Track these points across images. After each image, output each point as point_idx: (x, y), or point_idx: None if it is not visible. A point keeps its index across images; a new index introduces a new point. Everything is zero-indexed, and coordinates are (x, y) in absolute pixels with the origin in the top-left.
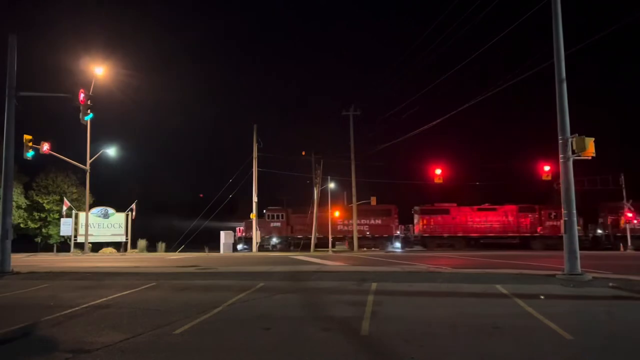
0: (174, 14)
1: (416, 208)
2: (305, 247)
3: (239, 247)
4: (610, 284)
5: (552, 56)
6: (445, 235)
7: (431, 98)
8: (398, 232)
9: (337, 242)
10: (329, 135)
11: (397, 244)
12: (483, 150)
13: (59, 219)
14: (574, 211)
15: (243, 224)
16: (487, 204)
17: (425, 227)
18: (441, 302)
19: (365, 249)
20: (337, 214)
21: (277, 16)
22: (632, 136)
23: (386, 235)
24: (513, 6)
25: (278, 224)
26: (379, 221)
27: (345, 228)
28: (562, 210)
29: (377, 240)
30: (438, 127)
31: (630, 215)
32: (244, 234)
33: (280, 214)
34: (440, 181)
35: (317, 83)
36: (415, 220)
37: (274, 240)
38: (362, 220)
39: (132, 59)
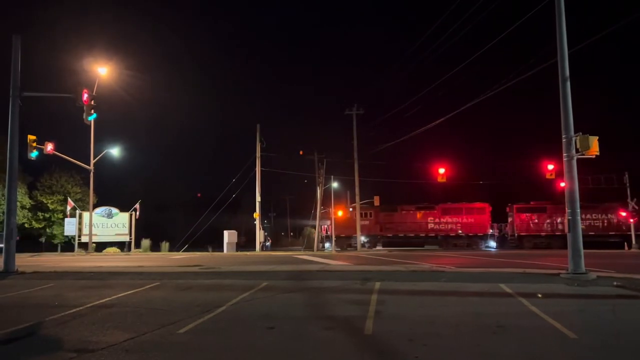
0: (177, 15)
1: (512, 205)
2: (391, 245)
3: (327, 245)
4: (615, 283)
5: (556, 55)
6: (543, 234)
7: (434, 97)
8: (491, 231)
9: (426, 244)
10: (332, 135)
11: (492, 243)
12: (487, 149)
13: (63, 219)
14: (578, 210)
15: (328, 221)
16: (583, 202)
17: (521, 225)
18: (445, 301)
19: (457, 246)
20: (340, 213)
21: (280, 17)
22: (637, 135)
23: (480, 234)
24: (517, 5)
25: (367, 222)
26: (472, 219)
27: (437, 227)
28: (566, 208)
29: (470, 239)
30: (441, 126)
31: (624, 214)
32: (328, 233)
33: (368, 212)
34: (444, 180)
35: (321, 83)
36: (510, 219)
37: (362, 239)
38: (454, 218)
39: (135, 59)
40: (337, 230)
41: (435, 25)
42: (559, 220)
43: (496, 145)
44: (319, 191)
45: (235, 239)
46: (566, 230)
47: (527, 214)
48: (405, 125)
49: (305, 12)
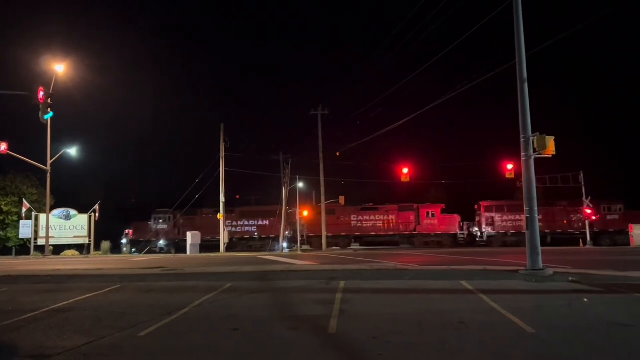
0: (140, 14)
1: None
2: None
3: (124, 249)
4: (570, 279)
5: (514, 57)
6: (330, 234)
7: (400, 98)
8: (287, 233)
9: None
10: (299, 135)
11: (285, 244)
12: (450, 149)
13: (18, 221)
14: (536, 208)
15: (132, 225)
16: (371, 204)
17: (311, 226)
18: (408, 299)
19: (252, 248)
20: (305, 213)
21: (244, 16)
22: (593, 136)
23: (273, 236)
24: (478, 8)
25: (165, 226)
26: (266, 222)
27: (234, 229)
28: (524, 207)
29: (264, 240)
30: (407, 126)
31: (589, 212)
32: (133, 237)
33: (167, 216)
34: (407, 180)
35: (288, 83)
36: (303, 221)
37: (161, 243)
38: (252, 221)
39: (96, 58)
40: (137, 233)
41: (399, 26)
42: (347, 220)
43: (459, 146)
44: (284, 191)
45: (198, 240)
46: (524, 227)
47: (317, 217)
48: (372, 125)
49: (270, 12)
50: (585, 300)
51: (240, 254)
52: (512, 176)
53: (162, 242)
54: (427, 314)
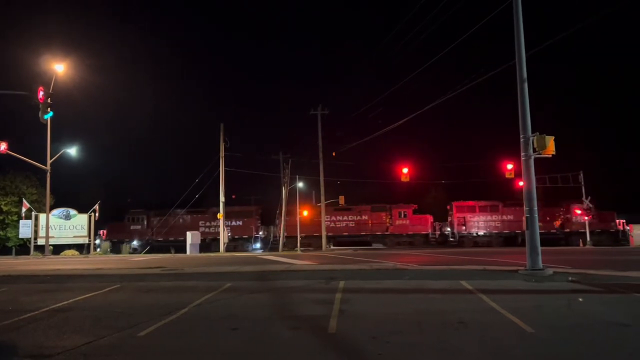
0: (141, 13)
1: (279, 212)
2: (167, 250)
3: (98, 250)
4: (570, 279)
5: (514, 57)
6: (303, 234)
7: (400, 98)
8: (261, 232)
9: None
10: (299, 135)
11: (258, 244)
12: (450, 149)
13: (17, 221)
14: (535, 208)
15: (106, 226)
16: (344, 204)
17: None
18: (408, 299)
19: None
20: (305, 213)
21: (244, 16)
22: (594, 136)
23: (245, 236)
24: (478, 8)
25: (138, 227)
26: (240, 222)
27: (208, 230)
28: (524, 207)
29: (237, 240)
30: (405, 127)
31: (579, 212)
32: (107, 237)
33: (141, 217)
34: (407, 179)
35: (288, 83)
36: (278, 221)
37: (135, 243)
38: (224, 222)
39: (96, 58)
40: (112, 234)
41: (399, 26)
42: (320, 220)
43: (459, 146)
44: (284, 191)
45: (198, 240)
46: (524, 227)
47: (288, 218)
48: (372, 125)
49: (271, 11)
50: (585, 300)
51: (239, 253)
52: (512, 176)
53: (135, 243)
54: (426, 313)
